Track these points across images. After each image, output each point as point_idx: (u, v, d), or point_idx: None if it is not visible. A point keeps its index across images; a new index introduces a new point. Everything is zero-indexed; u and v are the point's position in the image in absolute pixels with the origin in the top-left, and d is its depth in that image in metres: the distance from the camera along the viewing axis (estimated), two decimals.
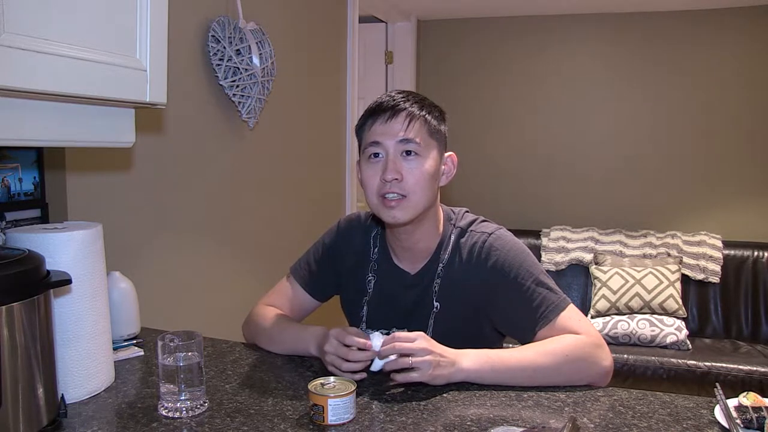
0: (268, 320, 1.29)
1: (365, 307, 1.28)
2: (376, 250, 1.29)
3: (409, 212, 1.14)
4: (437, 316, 1.21)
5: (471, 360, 1.08)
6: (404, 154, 1.13)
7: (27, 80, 0.83)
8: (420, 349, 1.04)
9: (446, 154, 1.21)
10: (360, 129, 1.19)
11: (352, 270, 1.31)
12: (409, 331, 1.11)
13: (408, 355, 1.04)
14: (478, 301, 1.19)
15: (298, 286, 1.35)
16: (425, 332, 1.18)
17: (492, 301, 1.18)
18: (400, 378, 1.05)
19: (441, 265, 1.21)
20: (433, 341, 1.08)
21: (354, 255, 1.31)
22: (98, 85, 0.95)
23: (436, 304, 1.21)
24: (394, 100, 1.16)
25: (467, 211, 1.28)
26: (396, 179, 1.11)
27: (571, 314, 1.14)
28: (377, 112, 1.15)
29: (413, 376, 1.04)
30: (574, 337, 1.11)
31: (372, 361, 1.09)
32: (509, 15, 3.67)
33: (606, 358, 1.11)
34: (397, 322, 1.24)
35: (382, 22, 3.65)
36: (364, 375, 1.10)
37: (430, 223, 1.21)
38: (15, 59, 0.80)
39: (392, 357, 1.05)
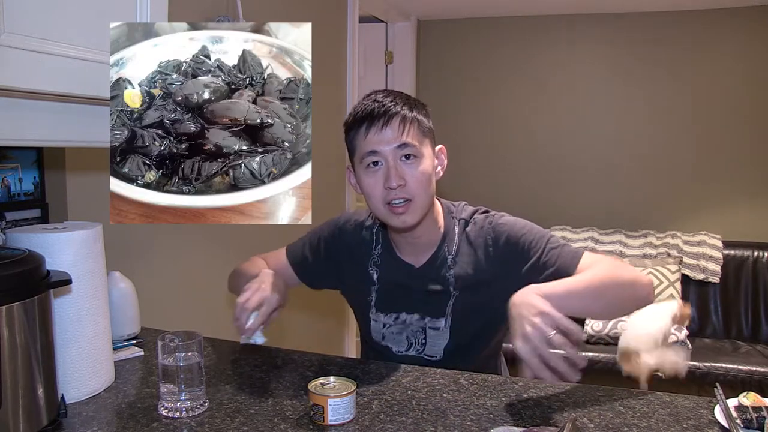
0: (249, 262, 1.39)
1: (374, 295, 1.29)
2: (379, 246, 1.30)
3: (417, 214, 1.15)
4: (455, 306, 1.22)
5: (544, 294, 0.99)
6: (403, 158, 1.14)
7: (27, 80, 0.83)
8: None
9: (437, 148, 1.22)
10: (352, 137, 1.17)
11: (353, 265, 1.32)
12: (415, 322, 1.22)
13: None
14: (497, 281, 1.19)
15: (288, 264, 1.39)
16: (444, 320, 1.22)
17: (511, 275, 1.17)
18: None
19: (450, 256, 1.23)
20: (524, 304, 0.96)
21: (354, 250, 1.32)
22: (98, 85, 0.95)
23: (454, 293, 1.22)
24: (383, 105, 1.14)
25: (466, 204, 1.30)
26: (401, 185, 1.12)
27: (590, 258, 1.15)
28: (369, 119, 1.14)
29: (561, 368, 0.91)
30: (609, 262, 1.13)
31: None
32: (509, 15, 3.66)
33: (641, 274, 1.14)
34: (405, 312, 1.27)
35: (382, 22, 3.65)
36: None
37: (430, 218, 1.22)
38: (15, 59, 0.80)
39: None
